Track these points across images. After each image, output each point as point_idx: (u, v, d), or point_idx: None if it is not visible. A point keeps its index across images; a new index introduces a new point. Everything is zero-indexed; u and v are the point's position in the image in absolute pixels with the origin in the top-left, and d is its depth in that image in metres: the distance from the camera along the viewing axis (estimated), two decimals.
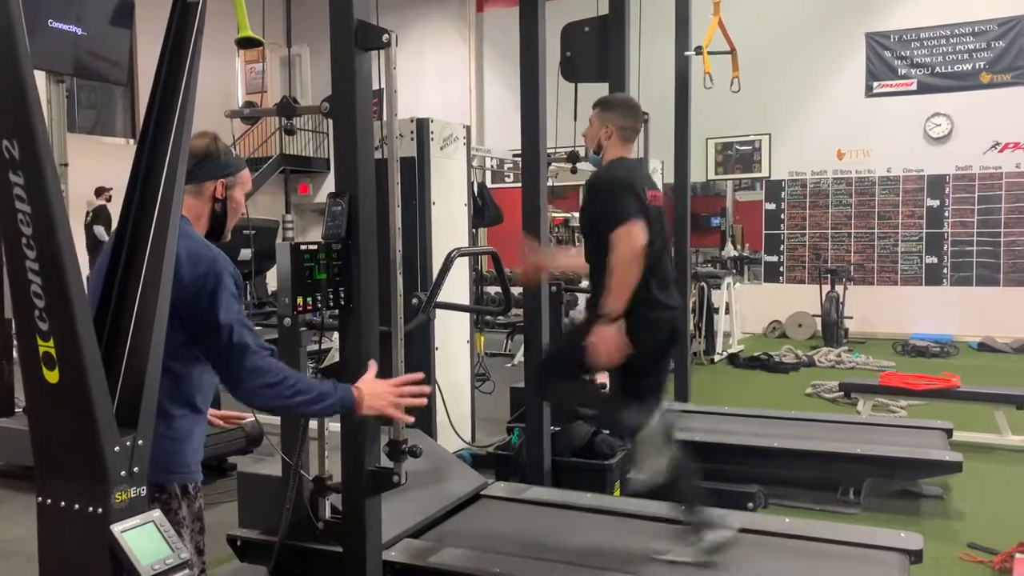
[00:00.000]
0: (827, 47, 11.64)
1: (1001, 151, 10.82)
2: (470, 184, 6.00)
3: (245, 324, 1.96)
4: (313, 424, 3.03)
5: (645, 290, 3.10)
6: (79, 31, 6.81)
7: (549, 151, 4.86)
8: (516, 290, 4.45)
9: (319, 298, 2.58)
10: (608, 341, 3.03)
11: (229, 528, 3.41)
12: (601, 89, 4.54)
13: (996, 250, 10.92)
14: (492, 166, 11.19)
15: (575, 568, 2.95)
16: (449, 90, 14.21)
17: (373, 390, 2.19)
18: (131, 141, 13.37)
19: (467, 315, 5.92)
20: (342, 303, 2.67)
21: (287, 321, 2.88)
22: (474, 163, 6.61)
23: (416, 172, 5.33)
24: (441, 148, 5.49)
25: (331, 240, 2.66)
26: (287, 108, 2.78)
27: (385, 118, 2.74)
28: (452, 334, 5.54)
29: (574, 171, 4.99)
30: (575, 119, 4.80)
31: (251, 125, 3.64)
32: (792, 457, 4.57)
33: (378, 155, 5.51)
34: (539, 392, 3.64)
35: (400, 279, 2.75)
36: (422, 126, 5.37)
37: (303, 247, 2.53)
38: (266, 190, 14.35)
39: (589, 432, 4.26)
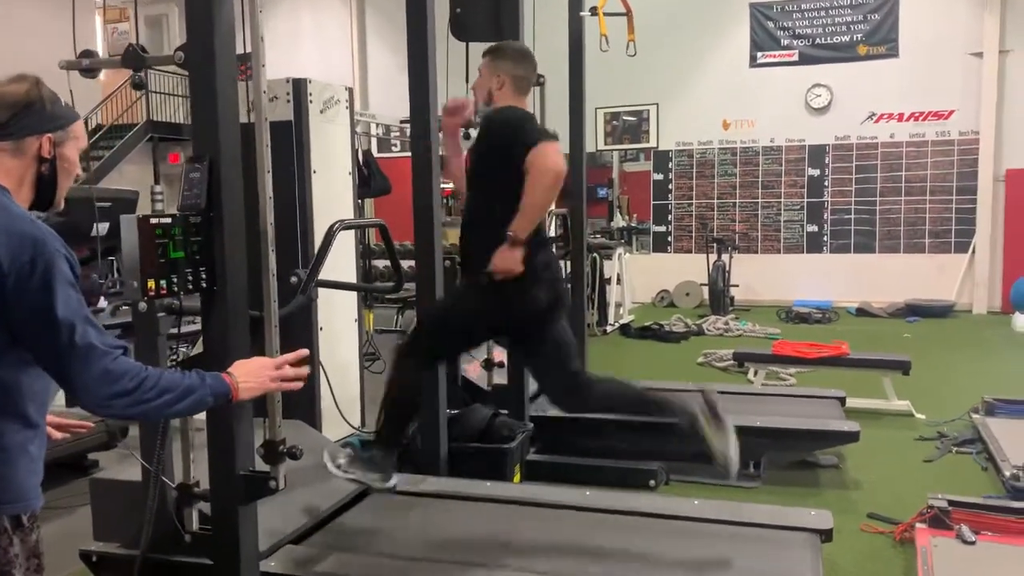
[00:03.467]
0: (713, 17, 11.68)
1: (877, 122, 11.16)
2: (355, 152, 5.62)
3: (89, 320, 1.60)
4: (176, 420, 2.66)
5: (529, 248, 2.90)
6: None
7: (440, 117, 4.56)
8: (407, 264, 4.15)
9: (175, 280, 2.21)
10: (511, 260, 2.84)
11: (84, 540, 3.00)
12: None
13: (872, 218, 11.29)
14: (378, 133, 10.77)
15: (473, 568, 2.71)
16: (329, 54, 13.56)
17: (247, 369, 1.88)
18: None
19: (354, 292, 5.56)
20: (204, 285, 2.31)
21: (142, 306, 2.48)
22: (358, 129, 6.21)
23: (294, 137, 4.91)
24: (321, 111, 5.07)
25: (189, 212, 2.28)
26: (134, 58, 2.37)
27: (253, 70, 2.37)
28: (337, 312, 5.17)
29: (467, 137, 4.68)
30: (467, 81, 4.49)
31: (91, 78, 3.13)
32: (688, 433, 4.45)
33: (248, 117, 5.09)
34: (394, 366, 3.20)
35: (273, 256, 2.41)
36: (299, 87, 4.92)
37: (154, 220, 2.16)
38: (133, 159, 13.38)
39: (488, 415, 4.02)
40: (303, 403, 3.78)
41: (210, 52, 2.29)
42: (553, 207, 4.92)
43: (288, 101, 4.92)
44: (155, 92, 13.25)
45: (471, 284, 3.07)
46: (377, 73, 13.57)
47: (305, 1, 13.92)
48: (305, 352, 2.00)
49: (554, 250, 3.48)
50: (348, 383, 5.31)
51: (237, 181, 2.38)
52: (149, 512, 2.56)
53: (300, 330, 3.64)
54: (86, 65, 2.44)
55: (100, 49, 14.44)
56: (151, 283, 2.14)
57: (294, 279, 3.45)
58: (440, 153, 3.58)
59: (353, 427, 4.99)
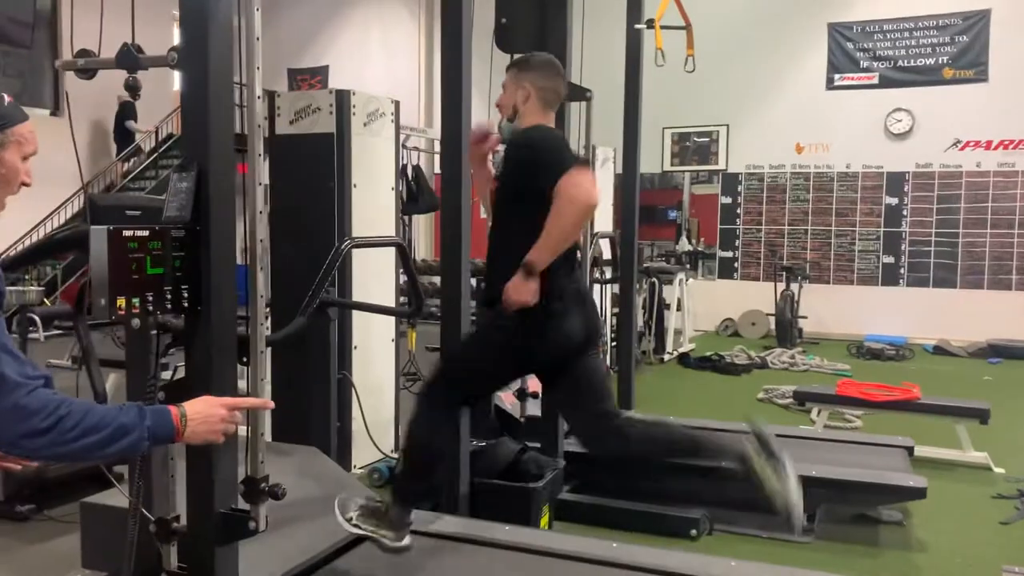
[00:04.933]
0: (789, 36, 11.25)
1: (962, 149, 10.54)
2: (401, 166, 5.45)
3: (5, 347, 1.42)
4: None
5: (555, 278, 2.71)
6: None
7: None
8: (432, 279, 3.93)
9: (151, 298, 2.03)
10: (524, 290, 2.63)
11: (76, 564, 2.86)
12: None
13: (954, 251, 10.65)
14: (438, 150, 10.65)
15: None
16: (396, 69, 13.56)
17: (203, 411, 1.67)
18: (56, 113, 12.51)
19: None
20: (186, 305, 2.12)
21: (135, 323, 2.30)
22: (408, 144, 6.05)
23: (335, 151, 4.77)
24: (365, 124, 4.93)
25: (172, 224, 2.10)
26: (128, 59, 2.21)
27: (247, 72, 2.18)
28: (374, 331, 4.99)
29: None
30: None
31: (87, 79, 3.04)
32: (741, 477, 4.11)
33: (290, 129, 4.97)
34: (415, 412, 2.95)
35: (262, 276, 2.21)
36: (342, 98, 4.80)
37: (128, 232, 1.97)
38: None
39: (515, 450, 3.76)
40: (319, 427, 3.58)
41: (203, 52, 2.11)
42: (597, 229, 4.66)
43: (331, 113, 4.79)
44: None
45: (494, 320, 2.82)
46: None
47: (375, 16, 13.98)
48: (266, 404, 1.78)
49: (600, 274, 3.23)
50: (382, 405, 5.13)
51: (229, 193, 2.19)
52: (129, 547, 2.38)
53: (318, 351, 3.45)
54: (81, 65, 2.30)
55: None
56: (121, 301, 1.95)
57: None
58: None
59: (382, 452, 4.79)
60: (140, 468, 2.34)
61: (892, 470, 4.17)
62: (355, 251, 4.69)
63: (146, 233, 2.01)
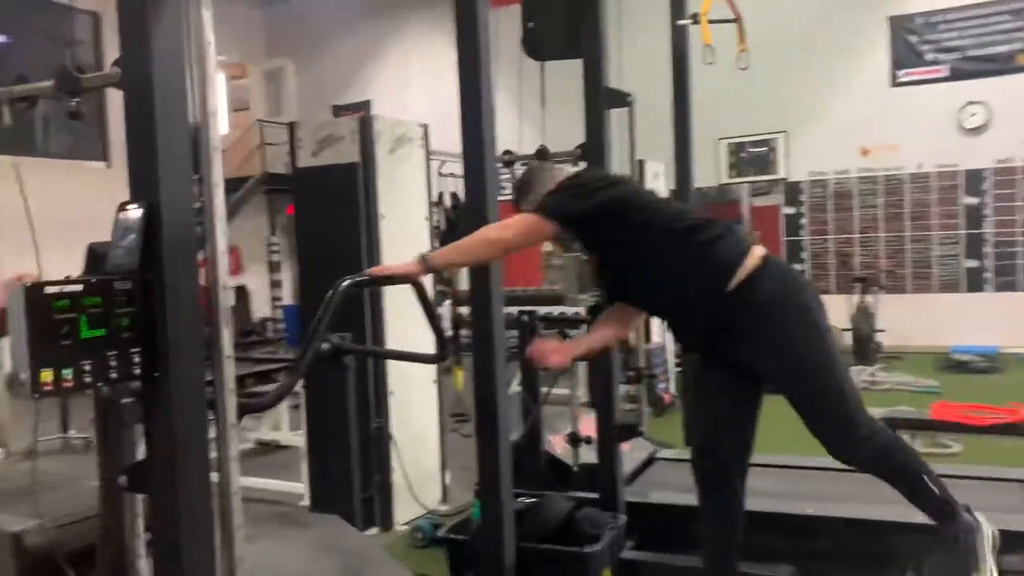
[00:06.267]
0: (846, 33, 10.62)
1: None
2: (430, 195, 5.07)
3: None
4: None
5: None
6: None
7: (510, 150, 3.95)
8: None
9: (89, 368, 1.64)
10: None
11: None
12: (573, 68, 3.60)
13: None
14: None
15: None
16: (437, 97, 13.27)
17: None
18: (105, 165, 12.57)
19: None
20: (138, 371, 1.73)
21: (105, 390, 1.93)
22: (444, 171, 5.68)
23: (360, 179, 4.42)
24: (391, 151, 4.57)
25: (115, 276, 1.72)
26: (67, 79, 1.85)
27: (198, 85, 1.80)
28: (411, 375, 4.59)
29: None
30: (543, 105, 3.87)
31: (28, 107, 2.72)
32: (832, 526, 3.57)
33: (312, 161, 4.64)
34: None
35: (228, 331, 1.81)
36: (365, 125, 4.45)
37: (52, 290, 1.59)
38: (249, 211, 13.50)
39: (568, 507, 3.29)
40: (341, 487, 3.17)
41: (145, 65, 1.74)
42: None
43: (354, 141, 4.45)
44: (270, 144, 13.34)
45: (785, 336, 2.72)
46: (500, 122, 13.16)
47: (413, 46, 13.78)
48: None
49: None
50: (425, 454, 4.72)
51: (187, 233, 1.80)
52: None
53: (334, 403, 3.05)
54: (18, 93, 1.96)
55: (224, 103, 14.81)
56: (46, 374, 1.57)
57: (325, 345, 2.88)
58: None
59: (425, 507, 4.37)
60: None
61: (1007, 511, 3.57)
62: (388, 289, 4.32)
63: (79, 288, 1.63)
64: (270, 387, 5.67)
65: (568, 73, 3.69)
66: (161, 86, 1.75)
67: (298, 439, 5.15)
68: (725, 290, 2.63)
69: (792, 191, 11.19)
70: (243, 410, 1.86)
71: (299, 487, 4.80)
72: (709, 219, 2.80)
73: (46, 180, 5.29)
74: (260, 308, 12.96)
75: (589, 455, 3.82)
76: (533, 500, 3.32)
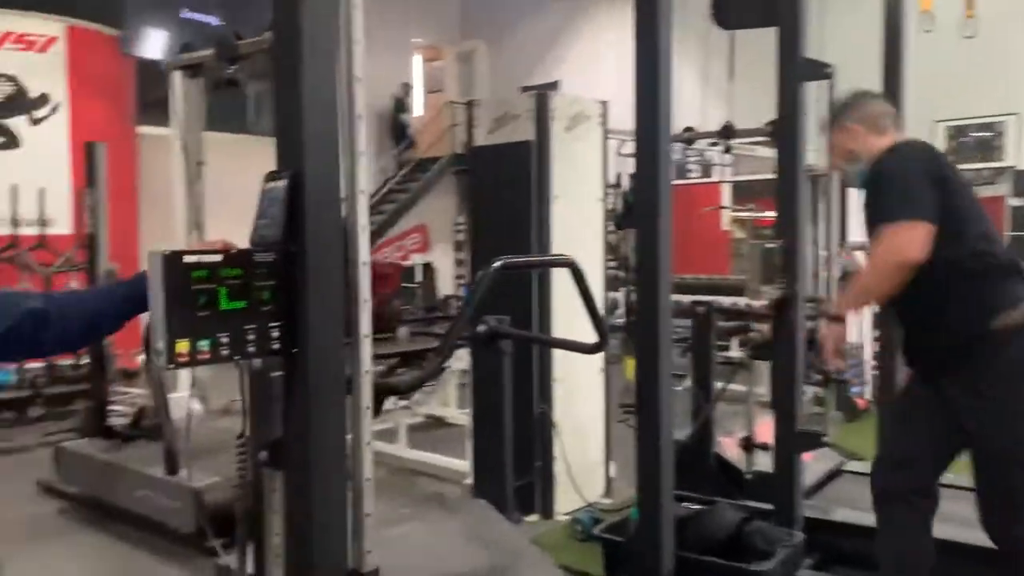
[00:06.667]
0: None
1: None
2: (610, 176, 4.87)
3: None
4: None
5: None
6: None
7: (691, 127, 3.67)
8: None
9: (225, 341, 1.60)
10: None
11: None
12: (766, 37, 3.27)
13: None
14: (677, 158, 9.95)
15: None
16: (628, 78, 12.97)
17: None
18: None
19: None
20: (276, 346, 1.68)
21: (256, 362, 1.91)
22: (623, 150, 5.45)
23: (532, 159, 4.30)
24: (567, 129, 4.41)
25: (261, 248, 1.68)
26: (226, 46, 1.82)
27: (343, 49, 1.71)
28: (579, 361, 4.41)
29: (727, 150, 3.73)
30: (730, 77, 3.55)
31: (192, 76, 2.71)
32: None
33: (487, 139, 4.57)
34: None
35: (367, 308, 1.72)
36: (542, 102, 4.32)
37: (191, 259, 1.56)
38: (438, 192, 13.83)
39: (737, 519, 3.02)
40: (498, 470, 3.05)
41: (295, 30, 1.67)
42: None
43: (529, 119, 4.33)
44: (460, 125, 13.58)
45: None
46: (682, 96, 12.76)
47: (606, 23, 13.52)
48: None
49: None
50: (589, 444, 4.56)
51: (334, 205, 1.73)
52: None
53: (495, 389, 2.94)
54: (185, 60, 1.96)
55: (418, 85, 15.27)
56: (182, 345, 1.54)
57: (482, 328, 2.78)
58: None
59: (586, 500, 4.21)
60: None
61: None
62: (556, 272, 4.19)
63: (218, 259, 1.59)
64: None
65: (760, 43, 3.36)
66: (310, 51, 1.68)
67: (464, 418, 5.15)
68: (986, 329, 2.47)
69: (1021, 181, 9.96)
70: (381, 392, 1.77)
71: (464, 464, 4.80)
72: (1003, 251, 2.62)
73: (265, 156, 5.61)
74: (445, 286, 13.30)
75: (765, 462, 3.51)
76: (699, 507, 3.08)
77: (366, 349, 1.71)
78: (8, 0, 8.09)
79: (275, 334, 1.68)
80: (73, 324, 1.63)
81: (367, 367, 1.72)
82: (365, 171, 1.72)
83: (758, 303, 4.93)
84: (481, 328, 2.76)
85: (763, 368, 4.18)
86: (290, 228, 1.68)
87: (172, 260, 1.53)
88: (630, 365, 6.00)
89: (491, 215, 4.46)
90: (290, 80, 1.68)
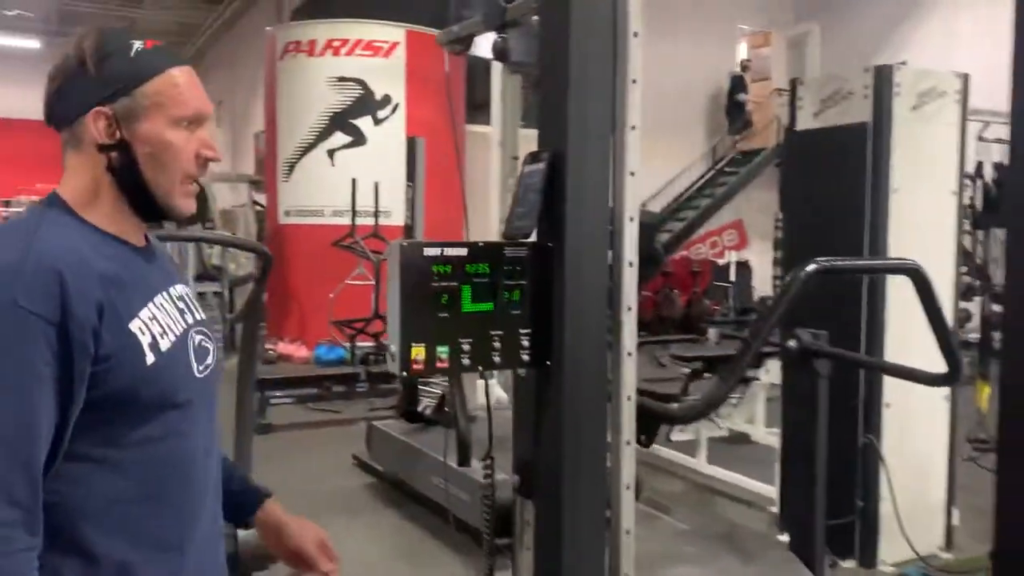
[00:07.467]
0: None
1: None
2: (968, 164, 4.05)
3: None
4: None
5: None
6: None
7: None
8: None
9: (468, 349, 1.37)
10: None
11: None
12: None
13: None
14: None
15: None
16: (991, 50, 11.18)
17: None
18: None
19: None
20: (526, 358, 1.43)
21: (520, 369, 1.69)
22: (986, 134, 4.53)
23: (868, 144, 3.67)
24: (913, 108, 3.71)
25: (514, 238, 1.43)
26: (492, 11, 1.61)
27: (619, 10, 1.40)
28: (916, 386, 3.71)
29: None
30: None
31: (463, 49, 2.48)
32: None
33: (813, 122, 3.99)
34: None
35: (632, 314, 1.40)
36: (882, 76, 3.67)
37: (432, 251, 1.35)
38: (761, 184, 13.01)
39: None
40: (808, 505, 2.56)
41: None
42: None
43: (866, 96, 3.71)
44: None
45: None
46: None
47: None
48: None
49: None
50: (928, 484, 3.84)
51: (599, 189, 1.44)
52: None
53: (808, 415, 2.46)
54: (456, 33, 1.79)
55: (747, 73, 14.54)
56: (418, 350, 1.34)
57: (793, 343, 2.33)
58: None
59: (917, 552, 3.51)
60: None
61: None
62: (891, 279, 3.54)
63: (463, 252, 1.37)
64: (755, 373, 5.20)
65: None
66: (576, 21, 1.40)
67: (772, 437, 4.62)
68: None
69: None
70: (650, 421, 1.44)
71: (770, 490, 4.29)
72: None
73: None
74: (762, 286, 12.50)
75: None
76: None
77: (629, 369, 1.40)
78: (354, 10, 8.87)
79: (525, 343, 1.42)
80: None
81: (630, 391, 1.40)
82: (634, 149, 1.40)
83: None
84: (792, 344, 2.30)
85: None
86: (547, 218, 1.42)
87: (411, 252, 1.34)
88: (984, 391, 5.03)
89: (811, 209, 3.90)
90: (557, 48, 1.42)
